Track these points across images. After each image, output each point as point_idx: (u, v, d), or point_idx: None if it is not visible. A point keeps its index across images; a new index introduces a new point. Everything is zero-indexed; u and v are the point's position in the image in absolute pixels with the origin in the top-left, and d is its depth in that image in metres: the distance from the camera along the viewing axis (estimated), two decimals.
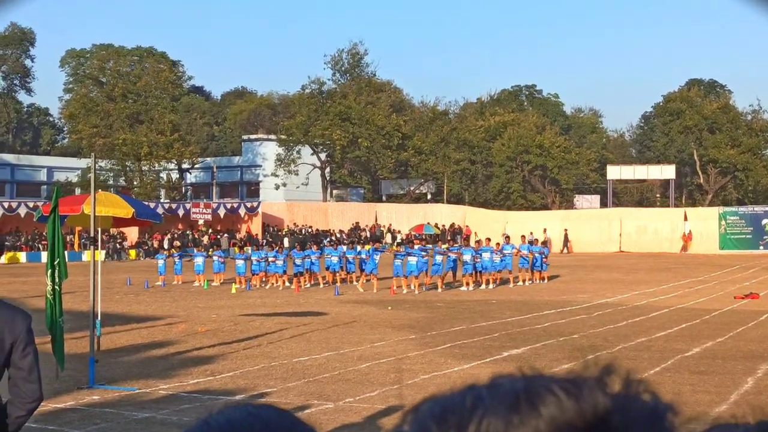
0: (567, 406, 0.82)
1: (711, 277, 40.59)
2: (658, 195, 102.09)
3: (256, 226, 73.54)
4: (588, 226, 72.36)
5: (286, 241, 63.58)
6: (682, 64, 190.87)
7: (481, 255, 35.17)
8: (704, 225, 68.73)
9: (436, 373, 15.40)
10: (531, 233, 64.54)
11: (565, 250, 69.12)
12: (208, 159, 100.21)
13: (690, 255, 64.49)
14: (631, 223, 71.30)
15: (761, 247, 66.74)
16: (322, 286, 36.92)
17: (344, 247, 41.49)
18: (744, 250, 65.70)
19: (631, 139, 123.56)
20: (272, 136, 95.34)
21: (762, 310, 25.72)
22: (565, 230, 70.38)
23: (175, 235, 68.77)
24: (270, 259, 37.62)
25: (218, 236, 70.62)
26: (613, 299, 29.77)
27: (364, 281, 35.16)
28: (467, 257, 34.75)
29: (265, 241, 66.85)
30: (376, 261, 35.24)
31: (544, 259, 38.29)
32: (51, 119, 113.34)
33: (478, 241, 37.92)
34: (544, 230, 69.22)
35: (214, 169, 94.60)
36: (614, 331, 21.14)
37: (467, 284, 34.66)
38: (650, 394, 0.86)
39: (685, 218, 69.80)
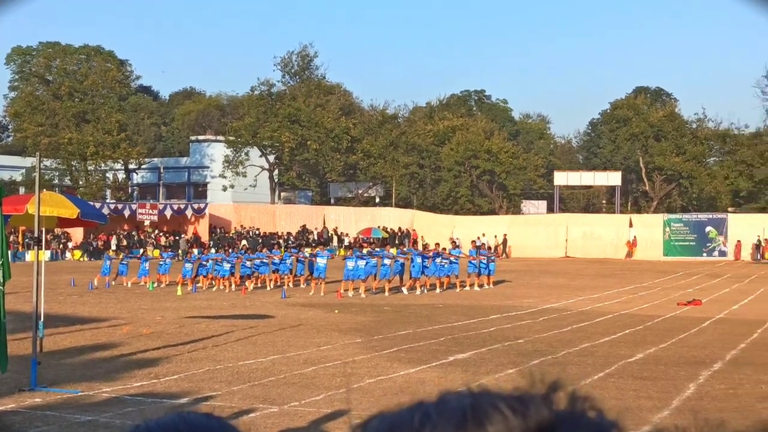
0: (513, 424, 0.83)
1: (655, 284, 41.04)
2: (604, 201, 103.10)
3: (203, 228, 73.14)
4: (535, 232, 72.88)
5: (243, 243, 63.17)
6: (629, 71, 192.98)
7: (430, 259, 35.31)
8: (649, 231, 69.53)
9: (382, 377, 15.41)
10: (479, 237, 65.14)
11: (504, 255, 69.19)
12: (155, 159, 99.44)
13: (634, 261, 65.19)
14: (577, 228, 71.93)
15: (704, 254, 67.65)
16: (269, 288, 36.81)
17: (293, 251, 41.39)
18: (688, 257, 66.58)
19: (578, 145, 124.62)
20: (220, 138, 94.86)
21: (704, 316, 26.07)
22: (504, 235, 70.59)
23: (121, 236, 68.18)
24: (217, 260, 37.47)
25: (177, 237, 70.13)
26: (559, 304, 29.99)
27: (315, 285, 35.04)
28: (417, 260, 34.86)
29: (211, 242, 66.47)
30: (325, 264, 35.23)
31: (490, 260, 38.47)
32: None
33: (425, 246, 38.02)
34: (495, 236, 69.81)
35: (161, 170, 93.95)
36: (559, 336, 21.30)
37: (413, 288, 34.73)
38: (596, 411, 0.88)
39: (630, 224, 70.54)
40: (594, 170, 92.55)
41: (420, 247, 39.82)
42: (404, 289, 34.67)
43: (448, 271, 36.18)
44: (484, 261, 37.93)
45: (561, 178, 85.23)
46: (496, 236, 70.19)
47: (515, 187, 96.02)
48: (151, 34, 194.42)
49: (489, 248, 47.67)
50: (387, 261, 34.52)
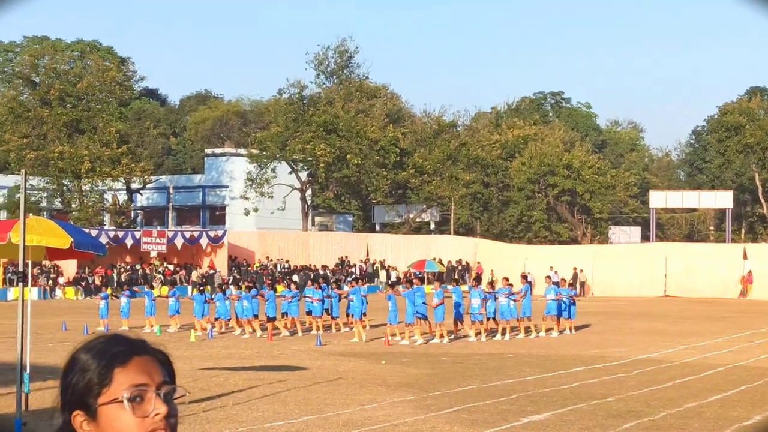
0: None
1: None
2: (711, 228, 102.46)
3: (220, 260, 73.47)
4: (625, 265, 72.41)
5: (295, 277, 63.33)
6: (742, 69, 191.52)
7: (494, 298, 35.21)
8: None
9: None
10: (555, 271, 64.91)
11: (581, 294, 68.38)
12: (163, 177, 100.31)
13: (750, 301, 64.54)
14: (679, 261, 71.36)
15: None
16: (300, 333, 36.85)
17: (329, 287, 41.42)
18: None
19: (679, 159, 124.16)
20: (242, 151, 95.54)
21: None
22: (574, 268, 69.84)
23: (122, 270, 68.73)
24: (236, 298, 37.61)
25: (185, 270, 70.61)
26: (656, 354, 29.74)
27: (360, 329, 35.01)
28: (476, 301, 34.74)
29: (231, 278, 66.78)
30: (361, 301, 35.26)
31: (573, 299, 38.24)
32: None
33: (491, 282, 37.90)
34: (575, 269, 69.45)
35: (171, 190, 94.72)
36: (658, 393, 21.10)
37: (477, 334, 34.62)
38: None
39: (745, 256, 69.90)
40: (699, 189, 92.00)
41: (484, 285, 39.55)
42: (474, 338, 34.49)
43: (520, 313, 36.05)
44: (565, 301, 37.73)
45: (658, 199, 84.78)
46: (576, 269, 69.71)
47: (602, 210, 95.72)
48: (158, 27, 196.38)
49: (572, 285, 47.31)
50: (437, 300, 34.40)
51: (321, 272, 70.18)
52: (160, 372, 2.69)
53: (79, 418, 2.56)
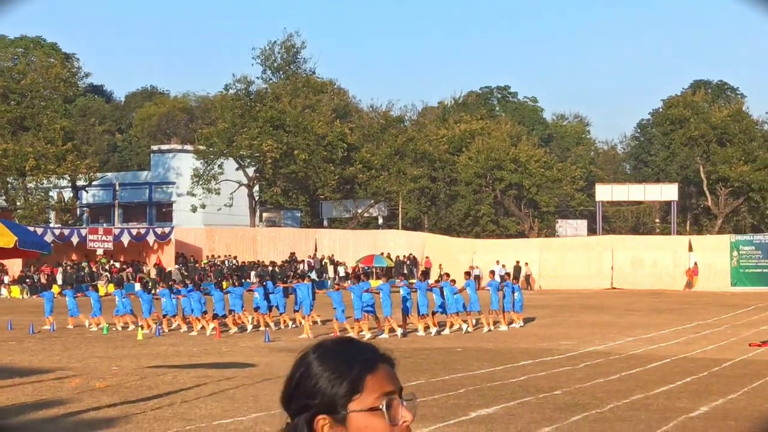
0: None
1: (721, 320, 40.94)
2: (657, 220, 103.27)
3: (167, 257, 73.14)
4: (572, 258, 72.84)
5: (252, 276, 62.92)
6: (686, 62, 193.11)
7: (440, 292, 35.31)
8: (713, 256, 69.41)
9: None
10: (502, 265, 65.07)
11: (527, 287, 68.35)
12: (109, 174, 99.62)
13: (696, 293, 65.09)
14: (625, 253, 71.86)
15: None
16: (249, 330, 36.80)
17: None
18: (761, 287, 66.42)
19: (625, 152, 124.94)
20: (188, 147, 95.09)
21: None
22: (517, 262, 70.07)
23: (68, 268, 68.23)
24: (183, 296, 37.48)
25: (132, 267, 70.16)
26: (604, 347, 29.92)
27: (308, 324, 34.99)
28: (423, 295, 34.88)
29: (177, 276, 66.49)
30: (307, 296, 35.29)
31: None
32: None
33: (440, 276, 37.94)
34: (525, 263, 69.84)
35: (117, 187, 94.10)
36: (605, 386, 21.23)
37: (425, 328, 34.69)
38: None
39: (690, 248, 70.46)
40: (644, 182, 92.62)
41: (431, 279, 39.66)
42: (420, 330, 34.61)
43: (468, 307, 36.18)
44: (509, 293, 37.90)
45: (604, 193, 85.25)
46: (519, 262, 69.93)
47: (548, 203, 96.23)
48: (102, 22, 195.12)
49: (517, 278, 47.52)
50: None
51: (270, 268, 69.99)
52: (397, 378, 2.71)
53: (322, 422, 2.60)
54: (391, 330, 34.11)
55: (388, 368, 2.67)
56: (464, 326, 35.66)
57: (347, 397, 2.57)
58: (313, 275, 61.99)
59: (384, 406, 2.55)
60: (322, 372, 2.63)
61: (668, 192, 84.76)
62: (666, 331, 35.59)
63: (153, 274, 68.34)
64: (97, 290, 41.68)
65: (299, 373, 2.71)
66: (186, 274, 66.67)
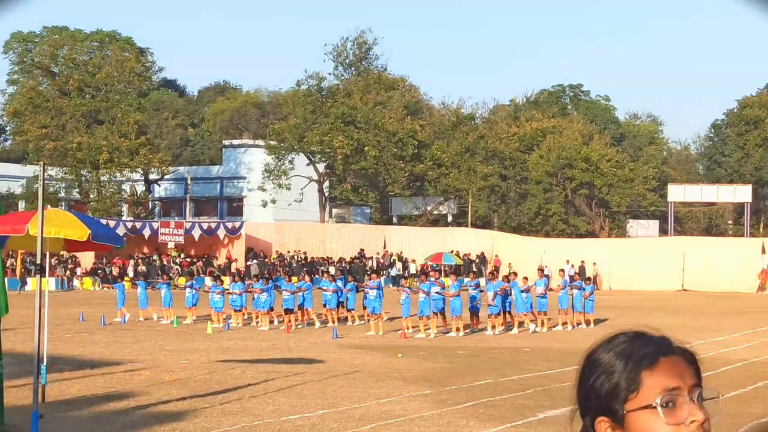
0: None
1: None
2: (730, 222, 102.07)
3: (237, 251, 73.57)
4: (644, 259, 72.25)
5: (332, 269, 63.06)
6: (762, 62, 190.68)
7: (510, 292, 35.16)
8: None
9: None
10: (571, 265, 64.70)
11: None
12: (181, 168, 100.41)
13: None
14: (697, 255, 71.18)
15: None
16: (317, 326, 36.88)
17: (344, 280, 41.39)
18: None
19: (698, 152, 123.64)
20: (260, 142, 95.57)
21: None
22: (582, 262, 69.27)
23: (140, 261, 68.86)
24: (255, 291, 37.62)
25: (202, 261, 70.64)
26: None
27: (379, 322, 34.98)
28: (492, 294, 34.73)
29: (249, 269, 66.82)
30: (377, 296, 35.20)
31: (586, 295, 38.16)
32: None
33: (508, 275, 37.79)
34: (593, 264, 69.35)
35: (189, 181, 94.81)
36: None
37: (493, 327, 34.58)
38: None
39: (764, 251, 69.70)
40: (718, 183, 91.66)
41: (501, 278, 39.51)
42: (491, 331, 34.50)
43: (538, 307, 36.00)
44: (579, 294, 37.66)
45: (677, 193, 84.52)
46: (583, 263, 69.36)
47: (620, 203, 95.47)
48: (177, 17, 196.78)
49: (588, 279, 47.22)
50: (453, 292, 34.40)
51: (339, 265, 70.16)
52: (692, 373, 2.49)
53: (603, 424, 2.43)
54: (458, 329, 34.03)
55: (675, 361, 2.46)
56: (532, 326, 35.52)
57: (623, 396, 2.40)
58: (386, 272, 62.04)
59: (659, 403, 2.36)
60: (597, 370, 2.46)
61: (742, 193, 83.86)
62: (737, 334, 35.19)
63: (233, 267, 68.75)
64: (169, 283, 41.98)
65: (581, 372, 2.53)
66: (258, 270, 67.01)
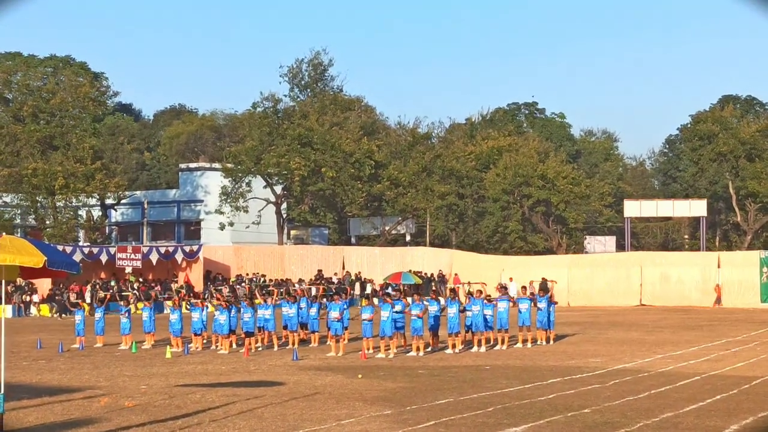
0: None
1: (751, 337, 40.72)
2: (686, 236, 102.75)
3: (196, 275, 73.25)
4: (601, 274, 72.58)
5: (313, 290, 62.81)
6: (714, 78, 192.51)
7: (471, 310, 35.21)
8: (742, 273, 69.02)
9: None
10: (531, 282, 64.68)
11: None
12: (138, 193, 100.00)
13: (725, 309, 64.79)
14: (654, 270, 71.57)
15: None
16: (276, 348, 36.81)
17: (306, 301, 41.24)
18: None
19: (653, 168, 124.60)
20: (216, 165, 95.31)
21: None
22: (543, 278, 68.59)
23: (97, 287, 68.45)
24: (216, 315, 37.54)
25: (160, 285, 70.29)
26: (633, 364, 29.81)
27: (335, 343, 34.92)
28: (452, 311, 34.79)
29: (206, 293, 66.58)
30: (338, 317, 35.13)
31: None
32: None
33: (470, 293, 37.86)
34: (543, 279, 68.99)
35: (145, 205, 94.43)
36: (634, 404, 21.15)
37: (453, 346, 34.62)
38: None
39: (719, 265, 70.15)
40: (673, 198, 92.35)
41: (462, 297, 39.57)
42: (451, 350, 34.56)
43: (500, 325, 36.09)
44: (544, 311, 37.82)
45: (633, 209, 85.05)
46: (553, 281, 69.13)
47: (576, 220, 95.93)
48: (131, 42, 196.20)
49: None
50: (415, 312, 34.39)
51: (297, 285, 70.01)
52: None
53: None
54: (418, 348, 34.04)
55: None
56: (497, 345, 35.61)
57: None
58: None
59: None
60: None
61: (697, 208, 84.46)
62: (695, 348, 35.43)
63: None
64: (129, 309, 41.69)
65: None
66: (217, 290, 66.74)
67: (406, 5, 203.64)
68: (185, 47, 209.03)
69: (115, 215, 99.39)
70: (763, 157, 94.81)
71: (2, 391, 17.11)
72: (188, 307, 42.15)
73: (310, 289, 63.83)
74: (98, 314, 40.59)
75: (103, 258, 70.10)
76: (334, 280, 75.07)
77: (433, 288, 70.68)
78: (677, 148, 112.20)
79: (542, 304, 38.09)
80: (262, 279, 74.08)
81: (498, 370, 28.44)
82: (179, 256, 73.25)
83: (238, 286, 70.14)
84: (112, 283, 69.77)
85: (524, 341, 36.81)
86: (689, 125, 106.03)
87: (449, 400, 21.90)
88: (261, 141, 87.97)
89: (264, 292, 62.15)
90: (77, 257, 61.36)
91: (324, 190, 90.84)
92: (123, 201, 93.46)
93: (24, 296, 66.76)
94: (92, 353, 36.16)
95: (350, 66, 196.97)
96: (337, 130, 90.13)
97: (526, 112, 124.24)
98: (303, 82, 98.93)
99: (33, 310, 66.57)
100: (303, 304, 39.43)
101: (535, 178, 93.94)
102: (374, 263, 79.01)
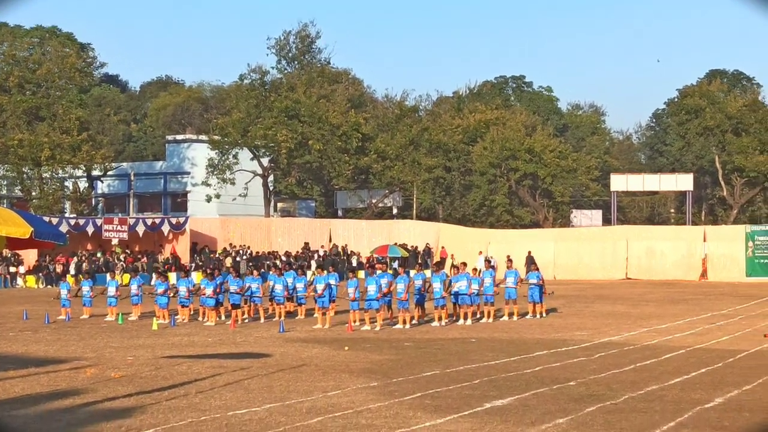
0: None
1: (736, 311, 40.85)
2: (672, 210, 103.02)
3: (182, 247, 73.11)
4: (587, 248, 72.67)
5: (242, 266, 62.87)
6: (702, 52, 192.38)
7: (456, 283, 35.26)
8: (728, 247, 69.16)
9: (403, 429, 15.37)
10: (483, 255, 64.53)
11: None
12: (124, 164, 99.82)
13: (711, 283, 64.90)
14: (640, 244, 71.68)
15: None
16: (263, 320, 36.82)
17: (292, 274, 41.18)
18: None
19: (640, 142, 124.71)
20: (203, 137, 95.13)
21: None
22: (529, 252, 68.09)
23: (83, 258, 68.35)
24: (201, 288, 37.51)
25: (146, 257, 70.23)
26: (618, 338, 29.89)
27: (322, 315, 34.94)
28: (438, 286, 34.82)
29: (192, 265, 66.53)
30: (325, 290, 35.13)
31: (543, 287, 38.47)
32: None
33: (455, 266, 37.90)
34: (529, 252, 68.98)
35: (132, 177, 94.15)
36: (619, 376, 21.21)
37: (439, 319, 34.67)
38: None
39: (705, 239, 70.30)
40: (660, 172, 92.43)
41: (448, 269, 39.61)
42: (437, 322, 34.64)
43: (487, 299, 36.16)
44: (534, 286, 37.92)
45: (619, 183, 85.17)
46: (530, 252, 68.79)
47: (563, 193, 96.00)
48: (118, 12, 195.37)
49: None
50: (401, 285, 34.40)
51: (285, 258, 69.98)
52: None
53: None
54: (404, 321, 34.07)
55: None
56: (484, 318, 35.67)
57: None
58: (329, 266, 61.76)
59: None
60: None
61: (683, 182, 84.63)
62: (680, 321, 35.53)
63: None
64: (114, 280, 41.62)
65: None
66: (201, 264, 66.71)
67: None
68: (172, 18, 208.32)
69: (102, 187, 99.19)
70: (749, 132, 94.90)
71: None
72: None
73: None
74: (85, 287, 40.55)
75: (90, 229, 69.91)
76: (321, 252, 75.03)
77: (420, 261, 70.77)
78: (664, 123, 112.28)
79: (533, 280, 38.22)
80: (248, 251, 74.01)
81: (484, 343, 28.49)
82: (166, 228, 73.08)
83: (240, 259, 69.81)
84: (99, 255, 69.66)
85: (510, 314, 36.88)
86: (676, 100, 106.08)
87: (435, 373, 21.94)
88: (248, 113, 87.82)
89: (251, 265, 62.08)
90: (63, 229, 61.12)
91: (311, 162, 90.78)
92: (109, 172, 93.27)
93: (10, 267, 66.66)
94: (78, 324, 36.12)
95: (338, 38, 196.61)
96: (324, 102, 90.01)
97: (514, 85, 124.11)
98: (290, 55, 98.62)
99: (19, 281, 66.48)
100: (290, 278, 39.42)
101: (522, 152, 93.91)
102: (361, 236, 78.99)
